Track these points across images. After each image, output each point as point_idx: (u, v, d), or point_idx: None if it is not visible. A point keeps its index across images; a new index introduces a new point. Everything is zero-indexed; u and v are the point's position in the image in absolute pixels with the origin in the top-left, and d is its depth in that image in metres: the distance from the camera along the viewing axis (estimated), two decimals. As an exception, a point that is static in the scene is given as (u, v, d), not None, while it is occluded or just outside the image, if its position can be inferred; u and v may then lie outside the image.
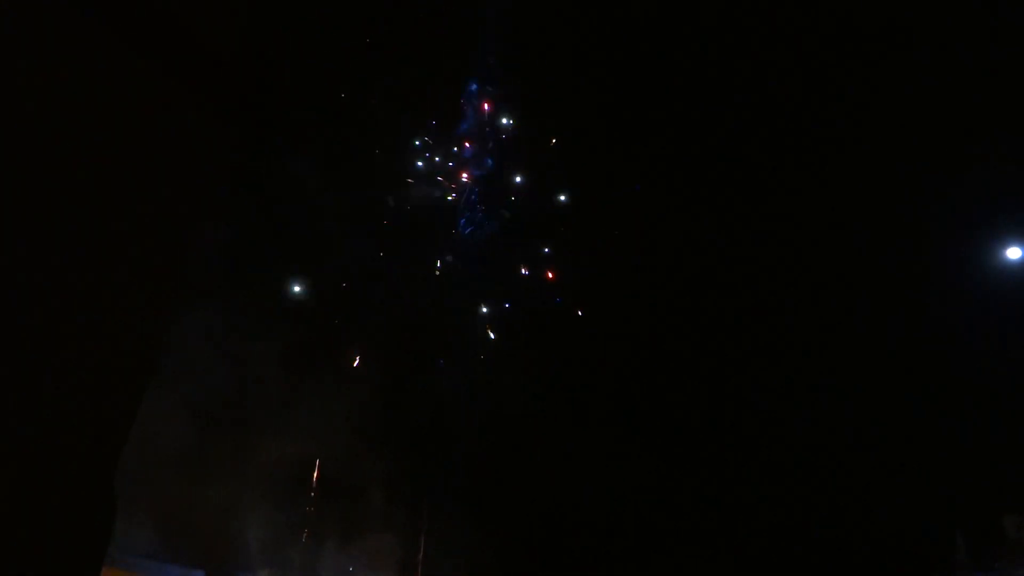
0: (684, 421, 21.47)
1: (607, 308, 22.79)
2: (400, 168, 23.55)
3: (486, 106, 23.89)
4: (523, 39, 22.79)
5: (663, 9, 20.59)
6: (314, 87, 20.84)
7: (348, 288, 22.74)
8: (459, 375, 22.89)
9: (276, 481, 19.49)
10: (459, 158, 24.12)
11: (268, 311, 19.95)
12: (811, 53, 19.15)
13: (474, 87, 23.93)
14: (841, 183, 19.35)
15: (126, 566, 15.70)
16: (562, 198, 23.79)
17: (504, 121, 23.98)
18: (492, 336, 23.33)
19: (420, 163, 23.75)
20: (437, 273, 23.57)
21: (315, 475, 20.66)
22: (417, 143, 23.72)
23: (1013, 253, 16.43)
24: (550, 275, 23.71)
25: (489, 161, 24.03)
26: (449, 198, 23.84)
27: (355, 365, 21.96)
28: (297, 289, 21.69)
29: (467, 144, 24.10)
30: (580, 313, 23.20)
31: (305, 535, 20.26)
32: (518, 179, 24.01)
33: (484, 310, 23.52)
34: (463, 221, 23.83)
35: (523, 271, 23.79)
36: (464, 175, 24.01)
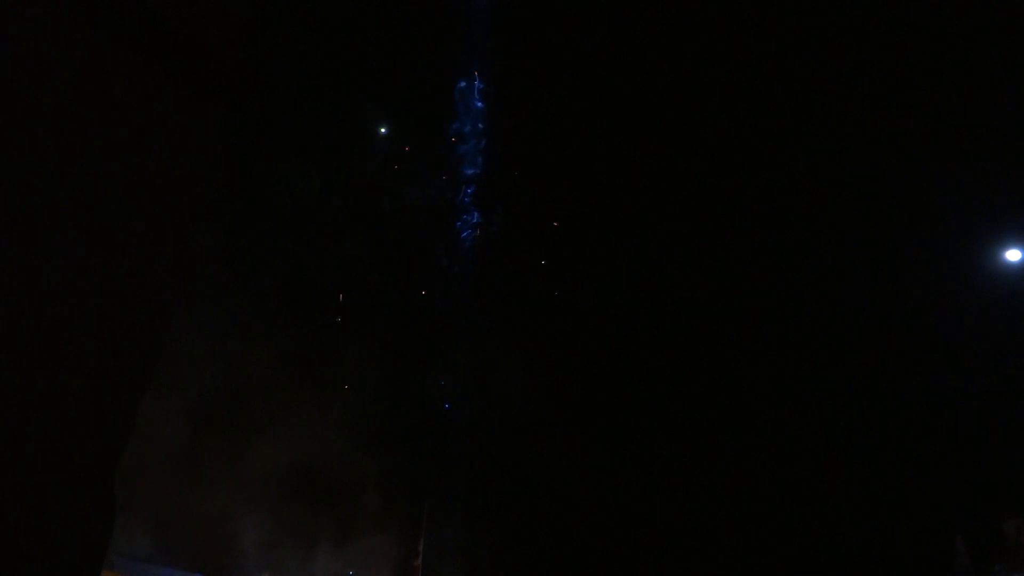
0: (684, 422, 21.46)
1: (607, 308, 22.79)
2: (398, 168, 23.56)
3: (479, 104, 23.91)
4: (521, 38, 22.83)
5: (663, 9, 20.63)
6: (308, 86, 20.88)
7: (347, 288, 22.73)
8: (458, 375, 22.89)
9: (273, 484, 19.47)
10: (454, 156, 24.13)
11: (265, 314, 19.92)
12: (811, 53, 19.19)
13: (463, 84, 23.94)
14: (841, 184, 19.37)
15: (124, 570, 15.64)
16: (558, 197, 23.78)
17: (498, 119, 23.98)
18: (491, 336, 23.30)
19: (416, 162, 23.75)
20: (436, 273, 23.58)
21: (312, 478, 20.62)
22: (412, 142, 23.73)
23: (1013, 255, 16.45)
24: (550, 275, 23.71)
25: (482, 160, 24.03)
26: (446, 198, 23.85)
27: (353, 366, 21.94)
28: (296, 290, 21.67)
29: (461, 142, 24.10)
30: (580, 313, 23.19)
31: (302, 538, 20.22)
32: (514, 178, 24.03)
33: (484, 310, 23.51)
34: (459, 224, 23.84)
35: (522, 271, 23.78)
36: (459, 173, 24.00)
